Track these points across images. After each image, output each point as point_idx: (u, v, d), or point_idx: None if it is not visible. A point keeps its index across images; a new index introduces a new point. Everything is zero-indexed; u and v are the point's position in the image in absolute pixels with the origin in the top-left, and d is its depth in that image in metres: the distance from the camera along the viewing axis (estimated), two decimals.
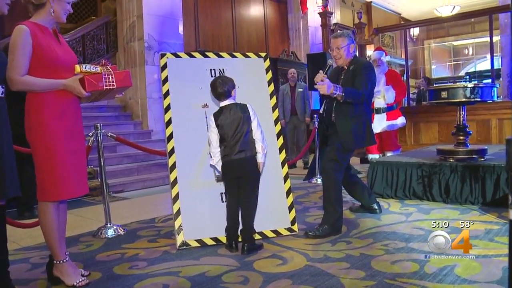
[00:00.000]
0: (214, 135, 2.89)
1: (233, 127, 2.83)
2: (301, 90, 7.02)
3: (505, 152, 1.29)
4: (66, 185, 2.30)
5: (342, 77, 3.32)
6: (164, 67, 3.31)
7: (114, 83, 2.31)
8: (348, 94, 3.09)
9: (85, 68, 2.28)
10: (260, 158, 2.90)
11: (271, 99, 3.48)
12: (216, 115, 2.89)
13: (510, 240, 1.35)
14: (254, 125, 2.89)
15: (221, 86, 2.87)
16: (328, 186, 3.21)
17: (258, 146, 2.88)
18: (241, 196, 2.88)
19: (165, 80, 3.28)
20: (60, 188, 2.28)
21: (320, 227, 3.11)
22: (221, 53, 3.55)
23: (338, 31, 3.60)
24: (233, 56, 3.55)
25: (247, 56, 3.59)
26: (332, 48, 3.31)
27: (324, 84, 3.03)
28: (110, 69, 2.34)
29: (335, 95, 3.07)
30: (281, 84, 9.04)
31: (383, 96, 5.71)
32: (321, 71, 3.21)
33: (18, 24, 2.22)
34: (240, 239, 2.89)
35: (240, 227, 2.91)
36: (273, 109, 3.46)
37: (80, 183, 2.40)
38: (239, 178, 2.86)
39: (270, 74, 3.56)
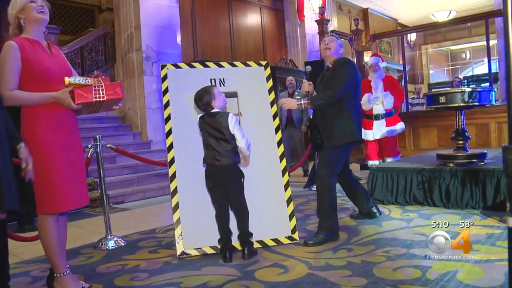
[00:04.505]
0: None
1: (213, 135, 2.89)
2: (299, 97, 6.99)
3: (502, 159, 1.29)
4: (64, 197, 2.29)
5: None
6: (165, 78, 3.32)
7: (104, 95, 2.28)
8: (315, 98, 3.26)
9: (74, 80, 2.25)
10: (245, 151, 2.98)
11: (271, 107, 3.48)
12: (200, 120, 2.99)
13: (509, 248, 1.35)
14: (234, 131, 2.90)
15: (201, 99, 2.93)
16: (322, 192, 3.21)
17: (241, 142, 2.93)
18: (231, 201, 2.94)
19: (166, 90, 3.30)
20: (58, 201, 2.28)
21: (318, 234, 3.12)
22: (221, 62, 3.55)
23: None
24: (233, 65, 3.55)
25: (247, 65, 3.58)
26: (324, 41, 3.45)
27: (287, 101, 3.35)
28: (101, 81, 2.31)
29: (302, 106, 3.26)
30: (279, 92, 9.06)
31: (381, 102, 5.72)
32: (304, 80, 3.53)
33: (7, 40, 2.23)
34: (237, 248, 2.89)
35: (236, 233, 2.93)
36: (274, 117, 3.46)
37: (79, 195, 2.39)
38: (225, 183, 2.90)
39: (270, 83, 3.56)
